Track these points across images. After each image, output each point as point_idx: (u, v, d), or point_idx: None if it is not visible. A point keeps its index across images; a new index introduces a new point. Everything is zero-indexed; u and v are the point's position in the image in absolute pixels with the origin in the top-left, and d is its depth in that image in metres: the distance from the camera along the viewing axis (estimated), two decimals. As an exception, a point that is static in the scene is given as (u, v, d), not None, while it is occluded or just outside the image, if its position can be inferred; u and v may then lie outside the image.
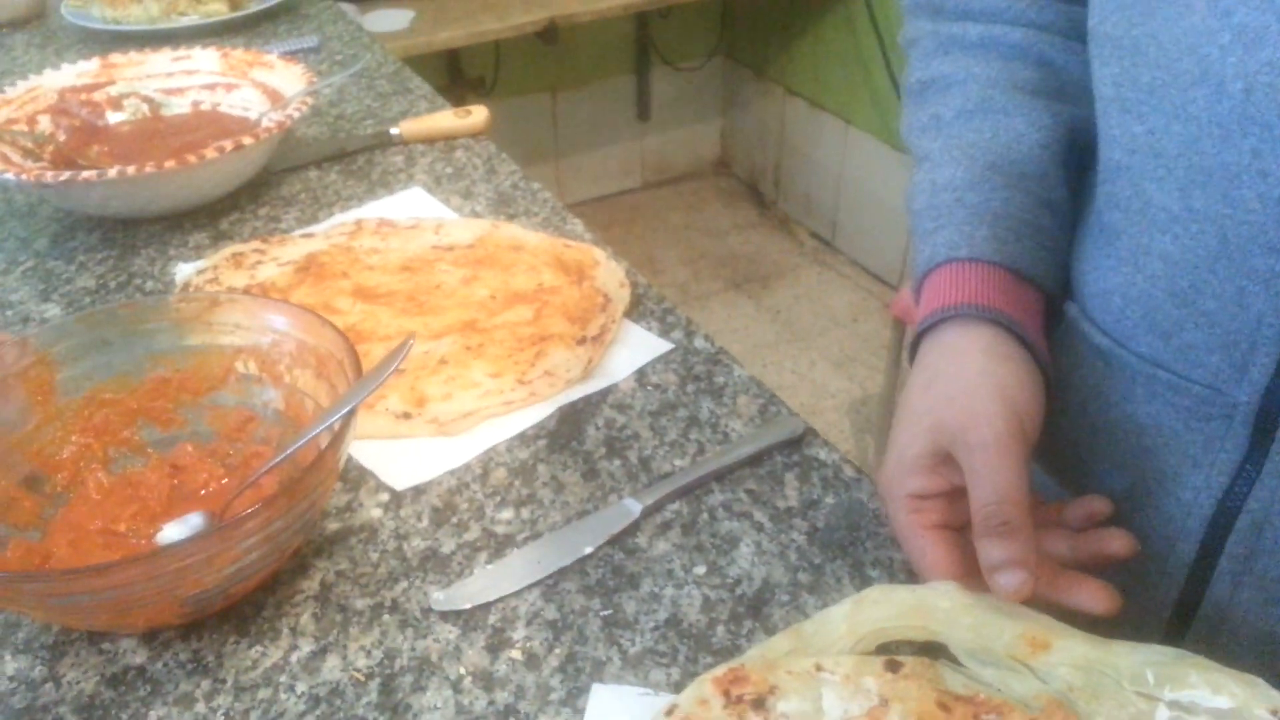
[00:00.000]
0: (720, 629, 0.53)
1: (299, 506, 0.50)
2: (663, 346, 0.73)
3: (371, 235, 0.86)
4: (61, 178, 0.82)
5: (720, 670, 0.49)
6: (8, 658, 0.52)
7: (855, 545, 0.57)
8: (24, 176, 0.83)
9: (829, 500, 0.60)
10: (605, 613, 0.54)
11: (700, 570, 0.56)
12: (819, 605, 0.54)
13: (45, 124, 0.98)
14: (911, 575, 0.55)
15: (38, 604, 0.47)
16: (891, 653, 0.50)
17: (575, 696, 0.49)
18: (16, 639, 0.53)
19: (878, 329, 2.44)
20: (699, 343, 0.74)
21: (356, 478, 0.62)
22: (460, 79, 2.54)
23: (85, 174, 0.82)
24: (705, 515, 0.59)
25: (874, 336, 2.43)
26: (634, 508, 0.59)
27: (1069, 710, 0.46)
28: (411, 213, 0.91)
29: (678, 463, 0.63)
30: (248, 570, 0.50)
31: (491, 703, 0.49)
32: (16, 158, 0.91)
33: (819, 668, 0.49)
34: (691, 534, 0.58)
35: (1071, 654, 0.48)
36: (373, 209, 0.92)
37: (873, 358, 2.34)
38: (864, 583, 0.55)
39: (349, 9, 1.69)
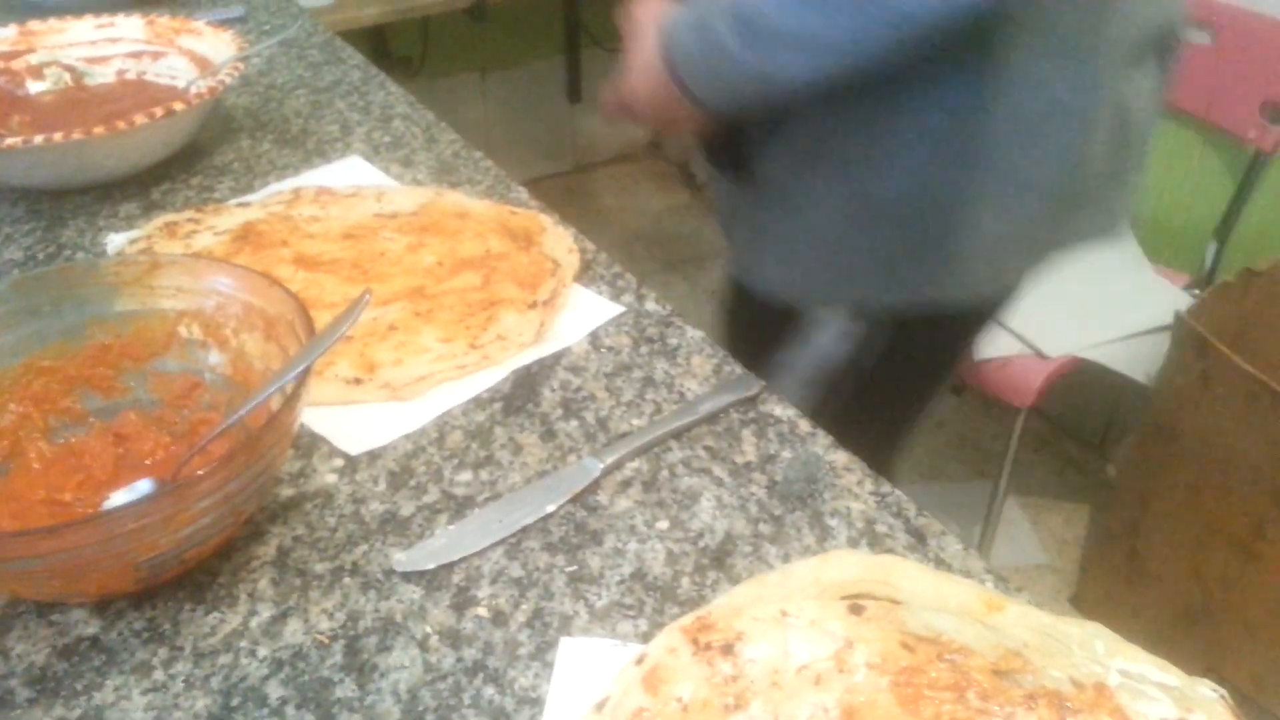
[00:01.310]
0: (685, 581, 0.53)
1: (255, 467, 0.48)
2: (614, 310, 0.73)
3: (310, 204, 0.84)
4: (-19, 145, 0.78)
5: (688, 619, 0.49)
6: (-53, 634, 0.50)
7: (813, 497, 0.58)
8: (-61, 144, 0.79)
9: (786, 454, 0.61)
10: (570, 569, 0.53)
11: (663, 525, 0.56)
12: (781, 555, 0.55)
13: (-42, 93, 0.94)
14: (870, 529, 0.56)
15: (-17, 571, 0.45)
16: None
17: (544, 651, 0.49)
18: (-44, 615, 0.51)
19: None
20: (650, 305, 0.74)
21: (309, 444, 0.61)
22: (387, 58, 2.49)
23: (8, 141, 0.78)
24: (665, 472, 0.60)
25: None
26: (594, 466, 0.59)
27: (1025, 659, 0.48)
28: (351, 181, 0.89)
29: (635, 422, 0.63)
30: (202, 534, 0.48)
31: (460, 660, 0.49)
32: (-71, 127, 0.87)
33: (784, 613, 0.50)
34: (652, 490, 0.58)
35: (1025, 618, 0.50)
36: (310, 178, 0.90)
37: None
38: (824, 532, 0.56)
39: (273, -18, 1.64)
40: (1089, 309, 1.57)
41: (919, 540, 0.55)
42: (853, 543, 0.56)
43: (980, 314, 1.03)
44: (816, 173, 0.85)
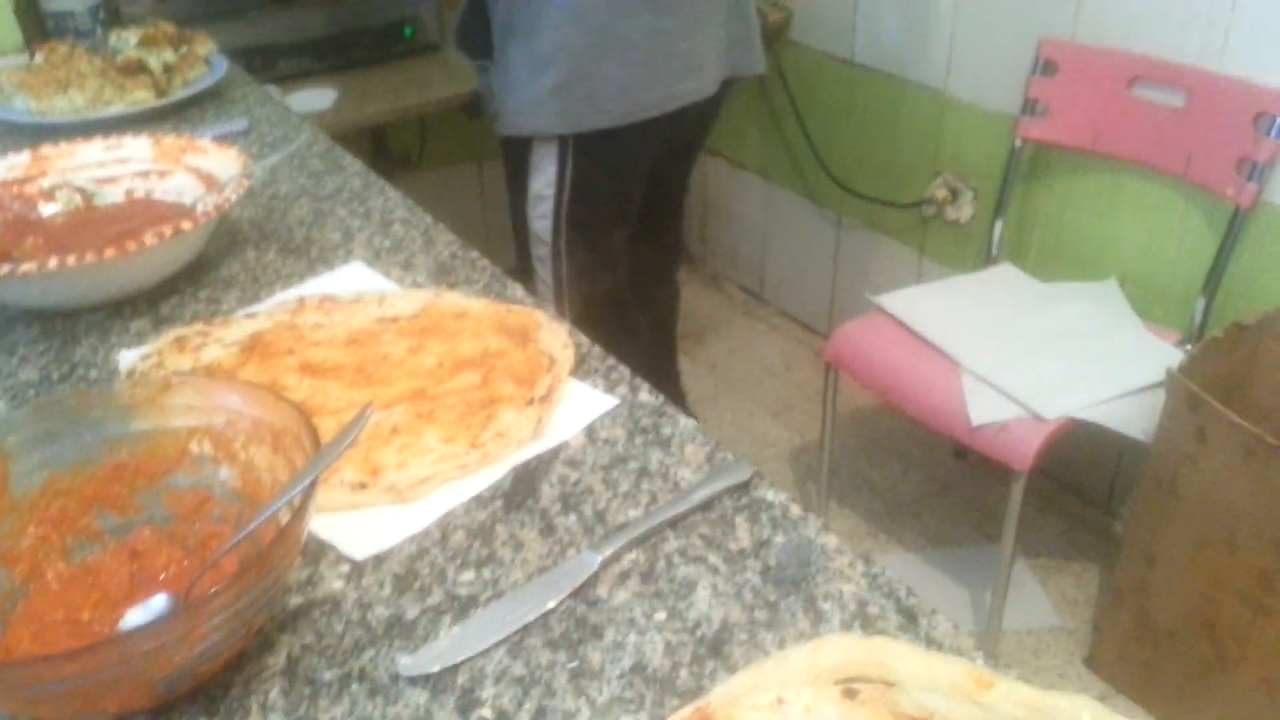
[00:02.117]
0: (684, 671, 0.55)
1: (265, 581, 0.51)
2: (609, 402, 0.76)
3: (315, 311, 0.87)
4: (1, 271, 0.82)
5: (687, 711, 0.51)
6: (-30, 757, 0.51)
7: (807, 580, 0.60)
8: (-41, 272, 0.83)
9: (779, 539, 0.63)
10: (571, 664, 0.55)
11: (661, 616, 0.58)
12: (777, 641, 0.56)
13: (-25, 219, 0.98)
14: (862, 610, 0.57)
15: (8, 695, 0.47)
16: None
17: (548, 748, 0.51)
18: (-22, 737, 0.52)
19: (811, 377, 2.49)
20: (643, 396, 0.77)
21: (316, 550, 0.63)
22: (387, 154, 2.57)
23: (24, 266, 0.82)
24: (662, 562, 0.62)
25: (808, 384, 2.48)
26: (592, 560, 0.61)
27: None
28: (353, 287, 0.92)
29: (632, 513, 0.65)
30: (215, 649, 0.50)
31: (467, 761, 0.50)
32: (-52, 254, 0.91)
33: (781, 700, 0.51)
34: (650, 581, 0.60)
35: (1014, 693, 0.52)
36: (314, 285, 0.93)
37: (808, 404, 2.39)
38: (818, 616, 0.58)
39: (273, 90, 1.71)
40: (1082, 369, 1.60)
41: (910, 620, 0.57)
42: (846, 625, 0.57)
43: (637, 132, 1.54)
44: (510, 42, 1.50)
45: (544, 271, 1.65)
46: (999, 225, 1.95)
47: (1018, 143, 1.88)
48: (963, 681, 0.53)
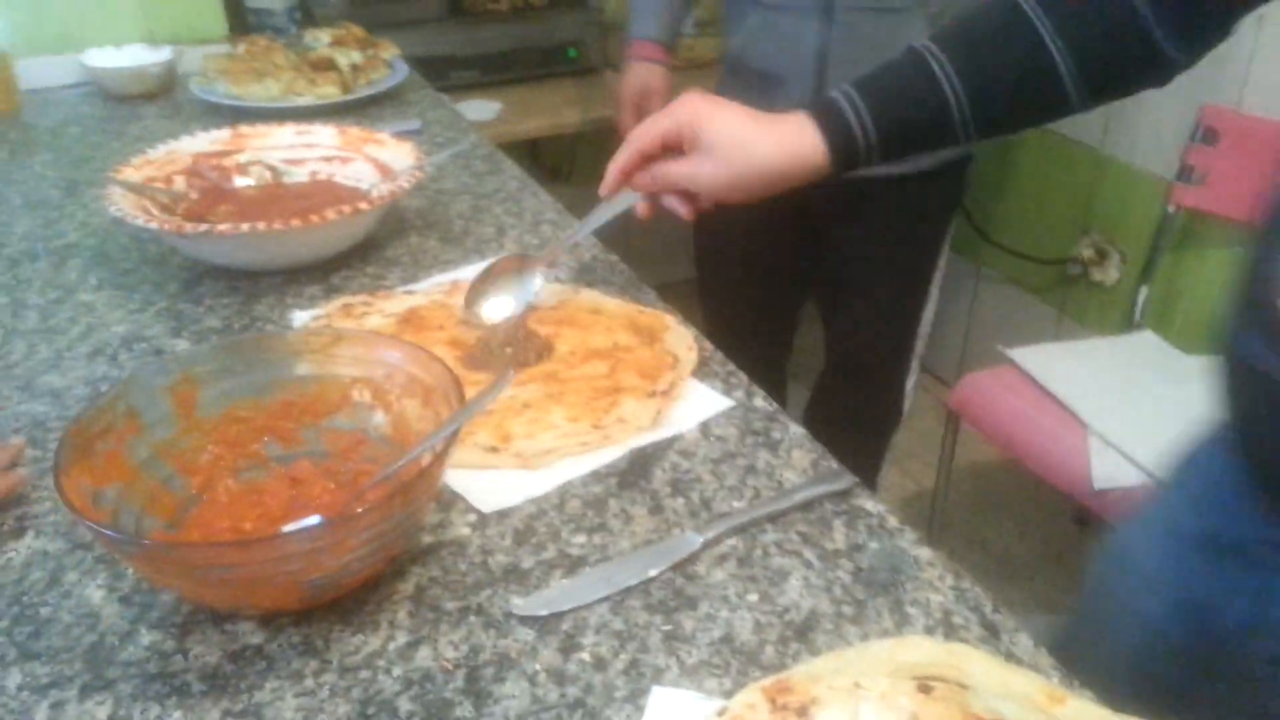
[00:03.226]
0: (769, 649, 0.58)
1: (406, 510, 0.57)
2: (725, 403, 0.80)
3: (466, 294, 0.95)
4: (201, 229, 0.92)
5: (768, 680, 0.55)
6: (144, 631, 0.60)
7: (896, 586, 0.63)
8: (166, 227, 0.94)
9: (873, 545, 0.66)
10: (666, 628, 0.60)
11: (753, 598, 0.62)
12: (860, 635, 0.59)
13: (180, 184, 1.10)
14: (947, 619, 0.60)
15: (184, 574, 0.55)
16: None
17: (637, 696, 0.55)
18: (151, 617, 0.61)
19: (933, 426, 2.47)
20: (758, 402, 0.81)
21: (448, 500, 0.70)
22: (538, 167, 2.69)
23: (221, 227, 0.93)
24: (759, 551, 0.66)
25: (929, 433, 2.46)
26: (695, 540, 0.66)
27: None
28: None
29: (735, 504, 0.70)
30: (358, 564, 0.57)
31: (563, 695, 0.55)
32: (155, 211, 1.03)
33: (858, 685, 0.54)
34: (746, 566, 0.64)
35: (1085, 712, 0.54)
36: (467, 272, 1.01)
37: (927, 453, 2.37)
38: (902, 618, 0.60)
39: (445, 98, 1.84)
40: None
41: (992, 634, 0.59)
42: (929, 630, 0.60)
43: None
44: None
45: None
46: (1144, 291, 1.91)
47: (1171, 209, 1.84)
48: (1036, 694, 0.55)
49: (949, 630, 0.60)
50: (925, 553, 0.65)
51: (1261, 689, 0.69)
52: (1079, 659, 0.60)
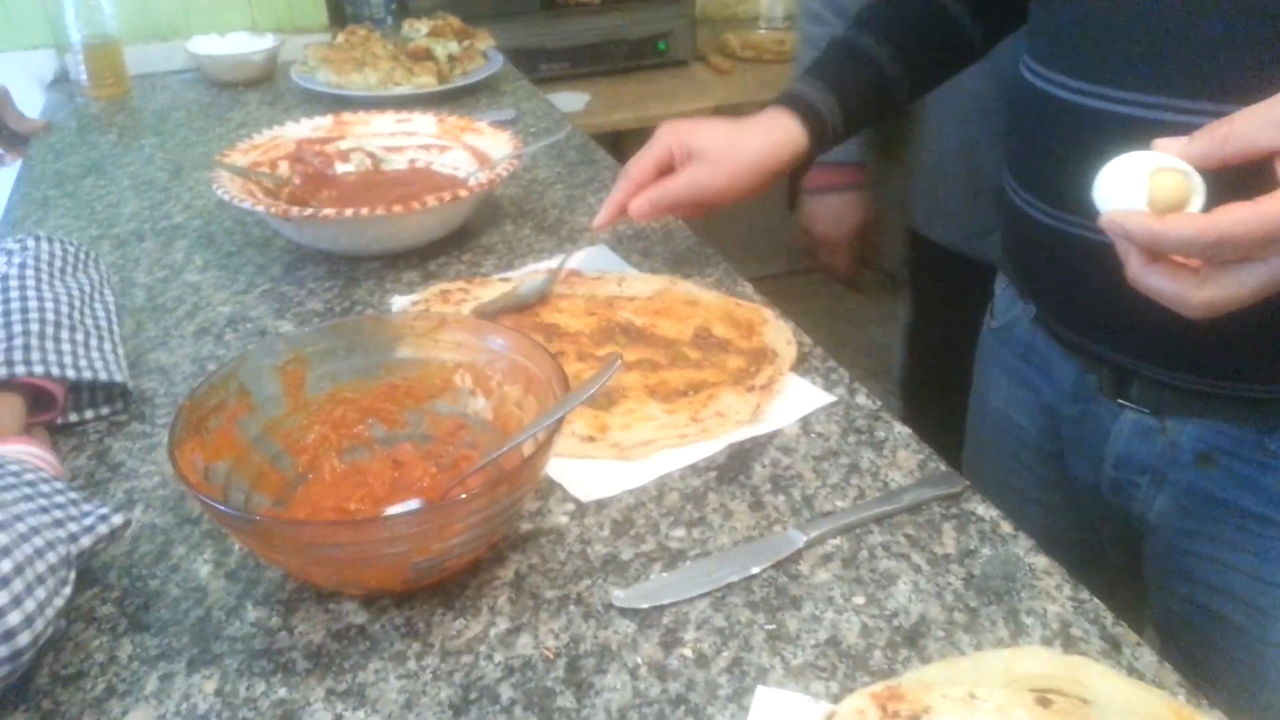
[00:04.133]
0: (877, 653, 0.56)
1: (510, 497, 0.57)
2: (826, 399, 0.78)
3: (560, 282, 0.95)
4: (305, 213, 0.94)
5: (879, 686, 0.53)
6: (249, 607, 0.60)
7: (1010, 595, 0.60)
8: (272, 210, 0.95)
9: (985, 551, 0.64)
10: (769, 627, 0.58)
11: (859, 600, 0.60)
12: (973, 643, 0.57)
13: (284, 169, 1.12)
14: (1065, 631, 0.57)
15: (294, 550, 0.55)
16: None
17: (740, 696, 0.54)
18: (256, 593, 0.61)
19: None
20: (861, 399, 0.79)
21: (546, 488, 0.69)
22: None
23: (325, 211, 0.94)
24: (865, 552, 0.64)
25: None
26: (798, 538, 0.64)
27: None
28: (596, 266, 0.99)
29: (839, 503, 0.68)
30: (461, 547, 0.57)
31: (664, 691, 0.54)
32: (260, 195, 1.05)
33: (973, 695, 0.52)
34: (851, 568, 0.62)
35: None
36: (562, 260, 1.01)
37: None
38: (1018, 628, 0.58)
39: (537, 89, 1.84)
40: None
41: (1113, 647, 0.56)
42: (1046, 642, 0.57)
43: None
44: None
45: None
46: None
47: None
48: (1163, 712, 0.52)
49: (1067, 642, 0.57)
50: (1042, 561, 0.63)
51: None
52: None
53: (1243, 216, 0.52)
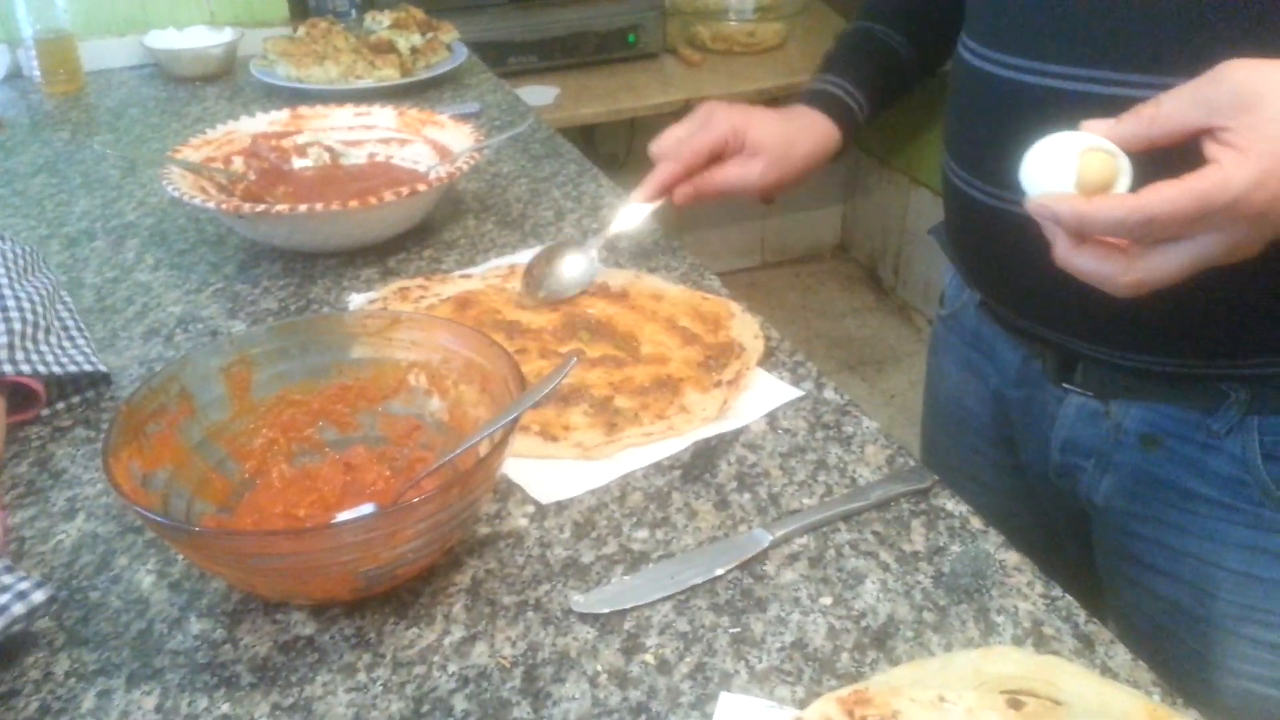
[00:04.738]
0: (845, 656, 0.55)
1: (464, 500, 0.54)
2: (793, 394, 0.77)
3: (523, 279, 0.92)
4: (258, 209, 0.91)
5: (845, 691, 0.51)
6: (193, 619, 0.58)
7: (981, 592, 0.59)
8: (223, 206, 0.92)
9: (955, 548, 0.62)
10: (734, 630, 0.56)
11: (826, 601, 0.58)
12: (943, 644, 0.56)
13: (238, 164, 1.09)
14: (1037, 630, 0.56)
15: (234, 561, 0.52)
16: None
17: (704, 703, 0.52)
18: (200, 604, 0.59)
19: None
20: (829, 394, 0.77)
21: (505, 490, 0.67)
22: (594, 154, 2.66)
23: (278, 208, 0.91)
24: (832, 551, 0.62)
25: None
26: (763, 538, 0.62)
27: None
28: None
29: (806, 501, 0.66)
30: (413, 554, 0.54)
31: (625, 699, 0.52)
32: (213, 191, 1.02)
33: (942, 699, 0.51)
34: (818, 567, 0.61)
35: None
36: (525, 255, 0.98)
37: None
38: (988, 627, 0.56)
39: (503, 83, 1.81)
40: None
41: (1086, 646, 0.55)
42: (1018, 641, 0.56)
43: None
44: None
45: None
46: None
47: None
48: (1137, 714, 0.50)
49: (1040, 642, 0.56)
50: (1013, 557, 0.61)
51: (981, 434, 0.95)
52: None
53: (1171, 195, 0.51)
